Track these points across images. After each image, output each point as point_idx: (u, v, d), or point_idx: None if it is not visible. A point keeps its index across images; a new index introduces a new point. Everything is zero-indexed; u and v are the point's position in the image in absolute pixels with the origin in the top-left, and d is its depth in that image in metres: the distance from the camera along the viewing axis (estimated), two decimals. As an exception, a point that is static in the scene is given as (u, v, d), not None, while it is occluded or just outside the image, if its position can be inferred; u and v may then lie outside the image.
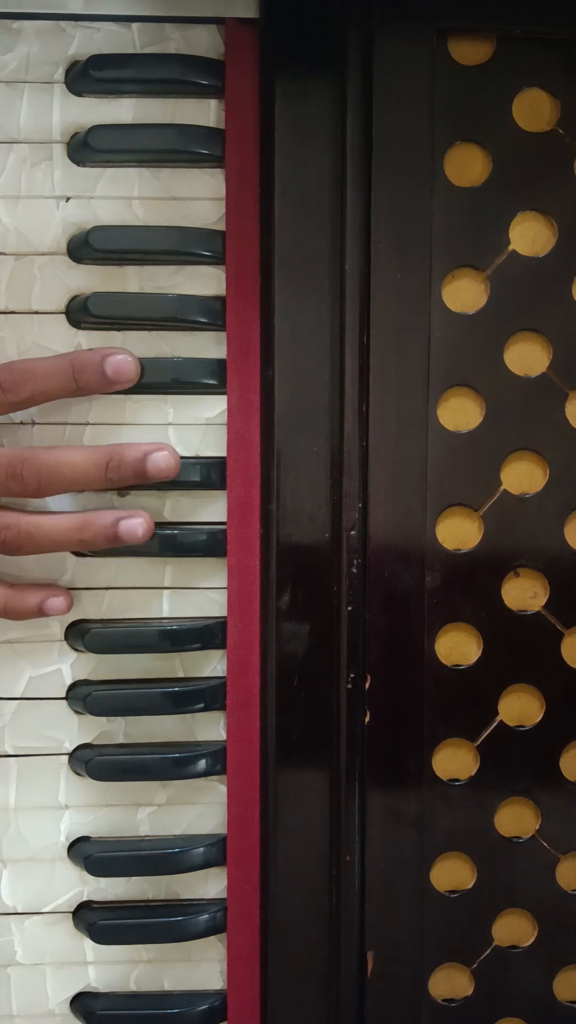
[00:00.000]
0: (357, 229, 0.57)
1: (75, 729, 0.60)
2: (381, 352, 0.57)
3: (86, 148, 0.58)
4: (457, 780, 0.59)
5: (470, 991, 0.60)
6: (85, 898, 0.61)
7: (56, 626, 0.60)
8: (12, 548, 0.57)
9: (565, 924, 0.60)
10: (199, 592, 0.60)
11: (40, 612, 0.58)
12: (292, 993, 0.60)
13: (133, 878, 0.61)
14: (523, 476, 0.58)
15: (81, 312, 0.58)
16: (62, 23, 0.58)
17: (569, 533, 0.58)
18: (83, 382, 0.57)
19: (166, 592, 0.60)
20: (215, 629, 0.60)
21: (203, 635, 0.60)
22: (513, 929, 0.60)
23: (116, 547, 0.57)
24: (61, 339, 0.59)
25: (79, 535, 0.56)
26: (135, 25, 0.58)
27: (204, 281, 0.59)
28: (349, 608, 0.58)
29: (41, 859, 0.61)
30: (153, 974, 0.62)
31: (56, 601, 0.58)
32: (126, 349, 0.58)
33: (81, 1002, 0.61)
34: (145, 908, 0.61)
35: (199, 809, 0.61)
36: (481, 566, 0.58)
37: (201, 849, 0.60)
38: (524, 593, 0.59)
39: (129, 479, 0.57)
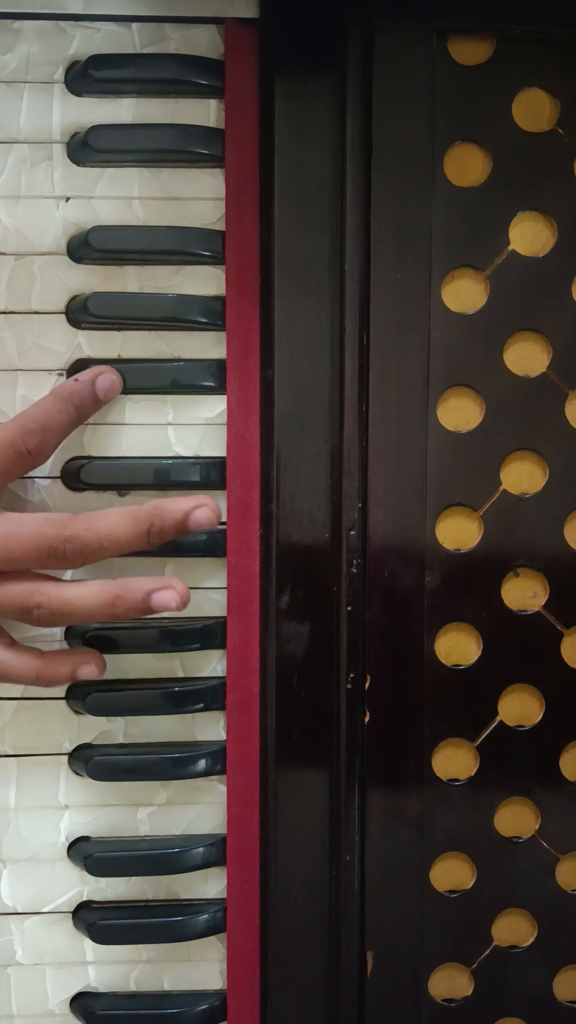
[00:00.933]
0: (357, 229, 0.57)
1: (75, 729, 0.60)
2: (381, 352, 0.57)
3: (86, 148, 0.58)
4: (457, 780, 0.59)
5: (470, 991, 0.60)
6: (85, 898, 0.61)
7: (58, 631, 0.60)
8: (43, 623, 0.56)
9: (565, 924, 0.60)
10: (199, 592, 0.60)
11: (73, 679, 0.57)
12: (292, 993, 0.60)
13: (133, 878, 0.61)
14: (523, 476, 0.58)
15: (81, 312, 0.58)
16: (62, 23, 0.58)
17: (569, 533, 0.58)
18: (84, 412, 0.58)
19: (166, 592, 0.60)
20: (215, 629, 0.60)
21: (203, 635, 0.60)
22: (513, 929, 0.60)
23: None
24: (61, 339, 0.59)
25: (111, 610, 0.55)
26: (135, 25, 0.58)
27: (204, 281, 0.59)
28: (349, 608, 0.58)
29: (41, 859, 0.61)
30: (153, 974, 0.62)
31: (88, 669, 0.57)
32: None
33: (81, 1002, 0.61)
34: (145, 908, 0.61)
35: (199, 809, 0.61)
36: (481, 566, 0.58)
37: (201, 849, 0.60)
38: (524, 593, 0.59)
39: (170, 538, 0.56)
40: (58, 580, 0.57)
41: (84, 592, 0.55)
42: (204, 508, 0.55)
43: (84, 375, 0.57)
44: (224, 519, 0.59)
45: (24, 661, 0.57)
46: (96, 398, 0.57)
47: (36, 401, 0.57)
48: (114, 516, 0.55)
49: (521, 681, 0.59)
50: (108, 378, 0.57)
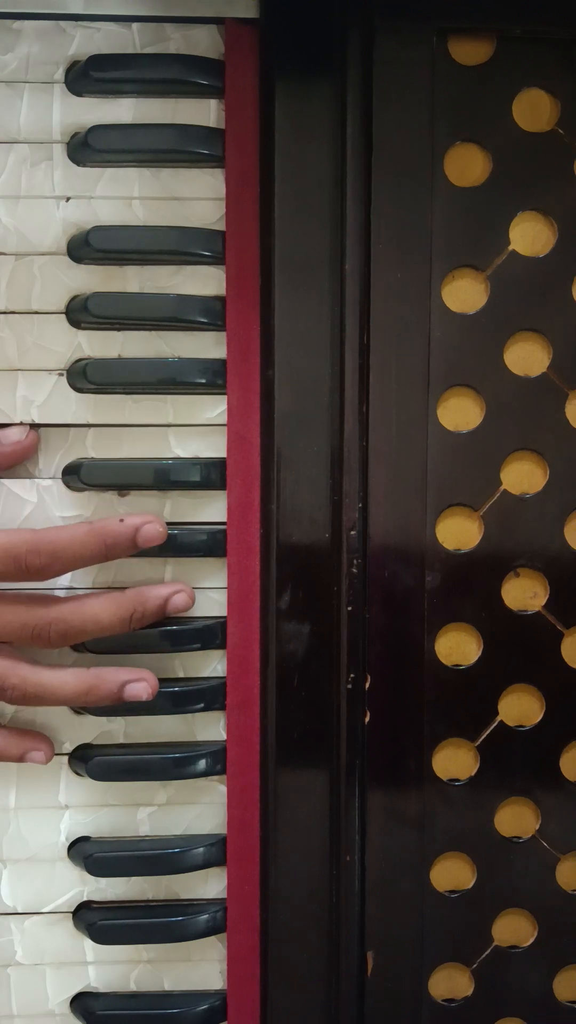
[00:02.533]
0: (357, 229, 0.57)
1: (75, 729, 0.60)
2: (381, 352, 0.57)
3: (86, 148, 0.58)
4: (457, 780, 0.59)
5: (470, 991, 0.60)
6: (85, 898, 0.61)
7: (56, 626, 0.60)
8: (16, 703, 0.57)
9: (565, 924, 0.60)
10: (199, 592, 0.60)
11: (21, 760, 0.58)
12: (292, 993, 0.60)
13: (133, 878, 0.61)
14: (523, 476, 0.58)
15: (81, 312, 0.58)
16: (62, 23, 0.58)
17: (569, 533, 0.58)
18: (113, 552, 0.57)
19: (166, 592, 0.60)
20: (215, 629, 0.60)
21: (203, 635, 0.60)
22: (513, 929, 0.60)
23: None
24: (61, 339, 0.59)
25: (84, 698, 0.57)
26: (135, 25, 0.58)
27: (204, 281, 0.59)
28: (349, 608, 0.58)
29: (41, 859, 0.61)
30: (153, 974, 0.62)
31: (37, 755, 0.58)
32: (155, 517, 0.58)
33: (81, 1002, 0.61)
34: (145, 908, 0.61)
35: (199, 809, 0.61)
36: (481, 566, 0.58)
37: (201, 849, 0.60)
38: (524, 593, 0.59)
39: (151, 621, 0.58)
40: (35, 663, 0.57)
41: (59, 680, 0.56)
42: (182, 594, 0.58)
43: (131, 520, 0.57)
44: (224, 519, 0.59)
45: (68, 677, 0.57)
46: (134, 544, 0.57)
47: (71, 525, 0.58)
48: (99, 602, 0.57)
49: (521, 681, 0.59)
50: (154, 528, 0.57)
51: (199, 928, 0.60)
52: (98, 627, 0.57)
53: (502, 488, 0.58)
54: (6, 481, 0.59)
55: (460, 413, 0.58)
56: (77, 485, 0.59)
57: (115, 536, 0.56)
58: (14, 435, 0.58)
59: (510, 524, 0.58)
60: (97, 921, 0.60)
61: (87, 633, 0.57)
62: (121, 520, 0.57)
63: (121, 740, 0.61)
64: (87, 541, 0.56)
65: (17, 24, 0.58)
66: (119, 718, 0.60)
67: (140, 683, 0.57)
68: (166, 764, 0.59)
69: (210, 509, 0.60)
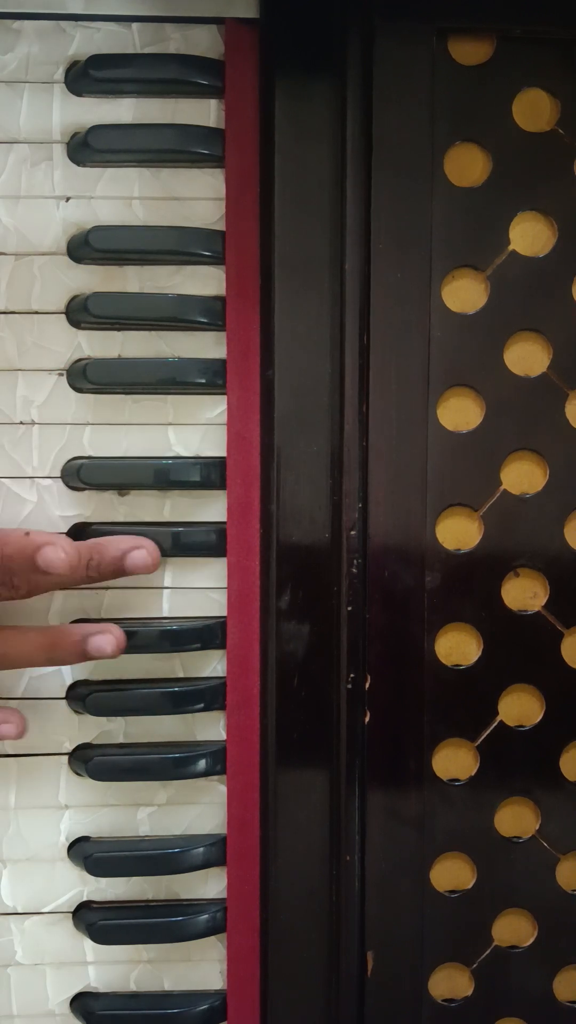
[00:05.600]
0: (357, 229, 0.57)
1: (75, 729, 0.60)
2: (381, 352, 0.57)
3: (86, 148, 0.58)
4: (457, 780, 0.59)
5: (470, 991, 0.60)
6: (85, 898, 0.61)
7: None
8: None
9: (565, 924, 0.60)
10: (199, 592, 0.60)
11: (86, 654, 0.56)
12: (292, 993, 0.60)
13: (133, 878, 0.61)
14: (523, 476, 0.58)
15: (81, 312, 0.58)
16: (62, 23, 0.58)
17: (569, 533, 0.58)
18: (12, 568, 0.54)
19: (166, 592, 0.60)
20: (215, 629, 0.60)
21: (203, 635, 0.60)
22: (513, 929, 0.60)
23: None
24: (61, 339, 0.59)
25: (48, 653, 0.56)
26: (135, 25, 0.58)
27: (204, 281, 0.59)
28: (349, 608, 0.58)
29: (41, 859, 0.61)
30: (153, 974, 0.62)
31: (7, 728, 0.57)
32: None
33: (81, 1002, 0.61)
34: (145, 908, 0.61)
35: (199, 809, 0.61)
36: (481, 566, 0.58)
37: (201, 849, 0.60)
38: (524, 593, 0.59)
39: (109, 577, 0.56)
40: None
41: (22, 637, 0.56)
42: (141, 550, 0.56)
43: (37, 537, 0.54)
44: (224, 519, 0.59)
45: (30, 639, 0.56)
46: (33, 564, 0.53)
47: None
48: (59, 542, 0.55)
49: (521, 681, 0.59)
50: (55, 552, 0.53)
51: (199, 928, 0.60)
52: (50, 568, 0.53)
53: (502, 488, 0.58)
54: (6, 481, 0.59)
55: (460, 413, 0.58)
56: (77, 484, 0.59)
57: (12, 546, 0.53)
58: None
59: (510, 524, 0.58)
60: (97, 921, 0.60)
61: (45, 579, 0.54)
62: (27, 534, 0.54)
63: (121, 740, 0.61)
64: None
65: (17, 24, 0.58)
66: (119, 718, 0.60)
67: (104, 636, 0.55)
68: (166, 764, 0.59)
69: (210, 509, 0.60)
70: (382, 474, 0.57)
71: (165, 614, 0.60)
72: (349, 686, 0.58)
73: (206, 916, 0.60)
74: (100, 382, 0.58)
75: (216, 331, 0.59)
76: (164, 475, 0.59)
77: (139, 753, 0.60)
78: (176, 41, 0.58)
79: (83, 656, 0.56)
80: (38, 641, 0.56)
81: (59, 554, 0.53)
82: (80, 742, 0.60)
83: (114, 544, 0.56)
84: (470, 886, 0.60)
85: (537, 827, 0.60)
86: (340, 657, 0.58)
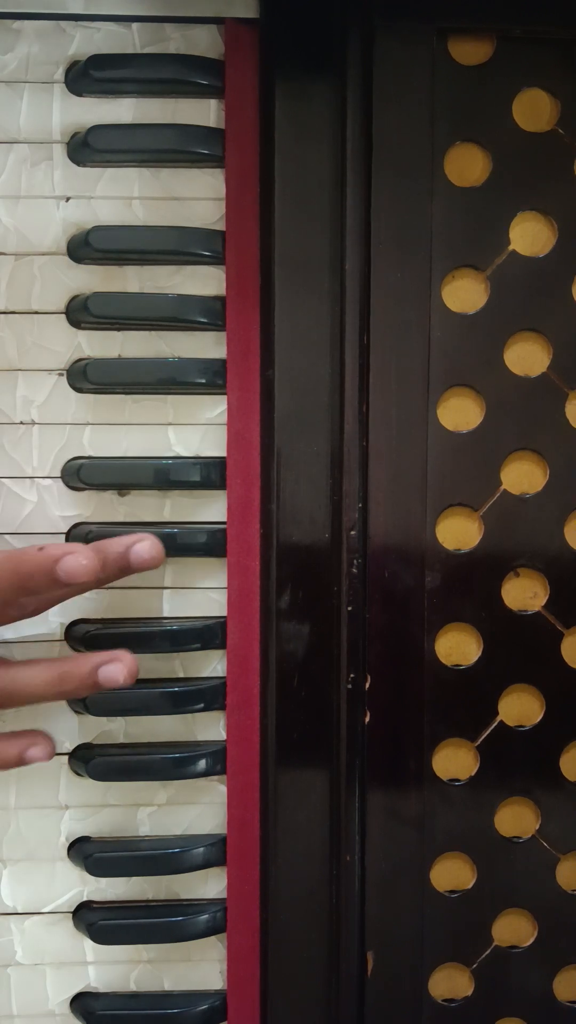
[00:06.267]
0: (357, 229, 0.57)
1: (75, 729, 0.60)
2: (381, 352, 0.57)
3: (86, 148, 0.58)
4: (457, 780, 0.59)
5: (470, 991, 0.60)
6: (85, 898, 0.61)
7: (56, 626, 0.60)
8: None
9: (565, 924, 0.60)
10: (199, 592, 0.60)
11: (22, 761, 0.56)
12: (292, 993, 0.60)
13: (133, 878, 0.61)
14: (523, 476, 0.58)
15: (81, 312, 0.58)
16: (62, 23, 0.58)
17: (569, 533, 0.58)
18: (31, 587, 0.53)
19: (166, 592, 0.60)
20: (215, 629, 0.60)
21: (203, 635, 0.60)
22: (513, 929, 0.60)
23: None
24: (61, 339, 0.59)
25: (59, 687, 0.54)
26: (135, 25, 0.58)
27: (204, 281, 0.59)
28: (349, 608, 0.58)
29: (41, 859, 0.61)
30: (153, 974, 0.62)
31: (36, 751, 0.56)
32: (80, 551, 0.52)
33: (81, 1002, 0.61)
34: (145, 908, 0.61)
35: (199, 809, 0.61)
36: (481, 566, 0.58)
37: (201, 849, 0.60)
38: (524, 593, 0.59)
39: (115, 574, 0.55)
40: (3, 661, 0.55)
41: (29, 674, 0.54)
42: (144, 543, 0.55)
43: (51, 550, 0.52)
44: (224, 519, 0.59)
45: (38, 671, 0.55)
46: (53, 578, 0.52)
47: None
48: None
49: (521, 681, 0.59)
50: (75, 561, 0.52)
51: (199, 928, 0.60)
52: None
53: (502, 488, 0.58)
54: (6, 481, 0.59)
55: (460, 413, 0.58)
56: (77, 485, 0.59)
57: (29, 565, 0.52)
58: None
59: (510, 524, 0.58)
60: (97, 921, 0.60)
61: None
62: (40, 549, 0.52)
63: (121, 740, 0.61)
64: None
65: (17, 24, 0.58)
66: (119, 718, 0.60)
67: (114, 664, 0.54)
68: (166, 764, 0.59)
69: (210, 509, 0.60)
70: (382, 474, 0.57)
71: (165, 614, 0.60)
72: (349, 686, 0.58)
73: (206, 916, 0.60)
74: (100, 382, 0.58)
75: (216, 331, 0.59)
76: (164, 475, 0.59)
77: (139, 753, 0.60)
78: (176, 41, 0.58)
79: (94, 687, 0.54)
80: (45, 676, 0.54)
81: (80, 561, 0.52)
82: (80, 742, 0.60)
83: (116, 541, 0.55)
84: (470, 886, 0.60)
85: (537, 827, 0.60)
86: (340, 657, 0.58)
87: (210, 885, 0.62)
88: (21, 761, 0.56)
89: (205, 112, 0.59)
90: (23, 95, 0.58)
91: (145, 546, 0.55)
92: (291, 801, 0.59)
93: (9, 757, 0.55)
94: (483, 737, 0.59)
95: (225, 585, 0.60)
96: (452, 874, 0.60)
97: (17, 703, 0.55)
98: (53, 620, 0.59)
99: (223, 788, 0.61)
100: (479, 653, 0.59)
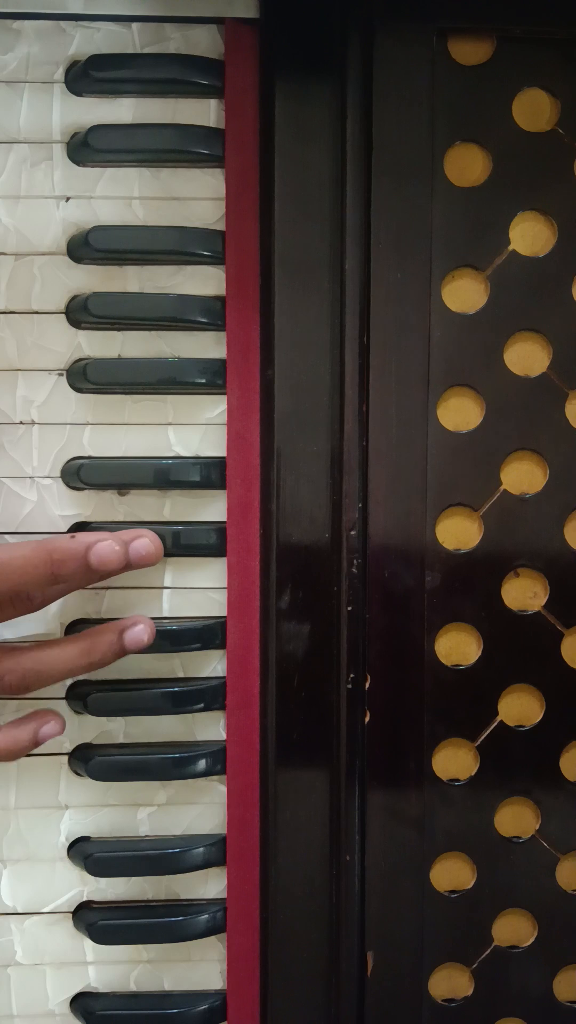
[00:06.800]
0: (357, 229, 0.57)
1: (75, 729, 0.60)
2: (381, 352, 0.57)
3: (86, 148, 0.58)
4: (457, 780, 0.59)
5: (470, 991, 0.60)
6: (85, 898, 0.61)
7: (56, 626, 0.60)
8: (18, 690, 0.54)
9: (565, 924, 0.60)
10: (199, 592, 0.60)
11: (36, 742, 0.56)
12: (292, 993, 0.60)
13: (133, 878, 0.61)
14: (523, 476, 0.58)
15: (81, 312, 0.58)
16: (62, 23, 0.58)
17: (569, 533, 0.58)
18: (63, 574, 0.54)
19: (166, 592, 0.60)
20: (215, 629, 0.60)
21: (203, 635, 0.60)
22: (513, 929, 0.60)
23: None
24: (61, 339, 0.59)
25: (88, 659, 0.55)
26: (135, 25, 0.58)
27: (204, 281, 0.59)
28: (349, 608, 0.58)
29: (41, 859, 0.61)
30: (153, 974, 0.62)
31: (49, 727, 0.56)
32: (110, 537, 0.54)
33: (81, 1002, 0.61)
34: (145, 908, 0.61)
35: (199, 809, 0.61)
36: (481, 566, 0.58)
37: (201, 849, 0.60)
38: (524, 593, 0.59)
39: (71, 572, 0.54)
40: (22, 647, 0.56)
41: (56, 651, 0.55)
42: (143, 539, 0.56)
43: (83, 537, 0.54)
44: (224, 519, 0.59)
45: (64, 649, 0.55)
46: (86, 565, 0.53)
47: (16, 544, 0.55)
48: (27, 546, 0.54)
49: (521, 681, 0.59)
50: (109, 547, 0.54)
51: (199, 928, 0.60)
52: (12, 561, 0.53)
53: (502, 488, 0.58)
54: (6, 480, 0.59)
55: (460, 413, 0.58)
56: (77, 484, 0.59)
57: (63, 552, 0.53)
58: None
59: (510, 524, 0.58)
60: (97, 921, 0.60)
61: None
62: (72, 536, 0.54)
63: (121, 740, 0.61)
64: (31, 557, 0.53)
65: (17, 24, 0.58)
66: (119, 718, 0.60)
67: (137, 626, 0.56)
68: (166, 764, 0.59)
69: (210, 509, 0.60)
70: (382, 474, 0.57)
71: (165, 614, 0.60)
72: (349, 686, 0.58)
73: (206, 916, 0.60)
74: (100, 382, 0.58)
75: (216, 331, 0.59)
76: (164, 475, 0.59)
77: (139, 753, 0.60)
78: (176, 41, 0.58)
79: (121, 652, 0.55)
80: (73, 651, 0.55)
81: (114, 547, 0.54)
82: (80, 742, 0.60)
83: (116, 536, 0.55)
84: (470, 886, 0.60)
85: (537, 827, 0.60)
86: (340, 657, 0.58)
87: (210, 885, 0.62)
88: (35, 742, 0.56)
89: (205, 112, 0.59)
90: (23, 95, 0.58)
91: (144, 543, 0.56)
92: (291, 801, 0.59)
93: (23, 740, 0.56)
94: (483, 737, 0.59)
95: (225, 585, 0.60)
96: (452, 874, 0.60)
97: (48, 682, 0.55)
98: (53, 620, 0.59)
99: (223, 788, 0.61)
100: (479, 653, 0.59)
